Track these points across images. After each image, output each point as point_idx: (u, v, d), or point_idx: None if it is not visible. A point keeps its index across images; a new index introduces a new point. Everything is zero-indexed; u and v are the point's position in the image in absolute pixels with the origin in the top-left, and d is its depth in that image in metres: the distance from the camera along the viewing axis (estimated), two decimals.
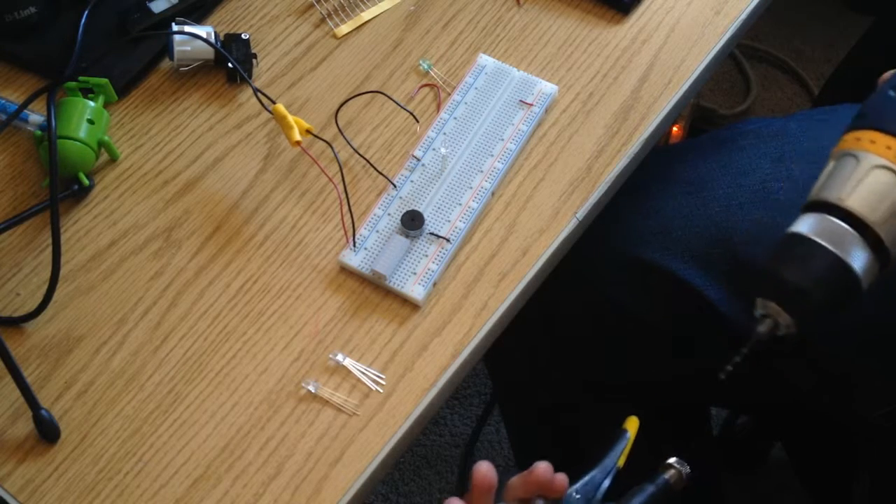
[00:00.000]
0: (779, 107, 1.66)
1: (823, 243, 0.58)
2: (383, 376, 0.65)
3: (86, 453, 0.62)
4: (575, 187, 0.73)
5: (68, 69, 0.75)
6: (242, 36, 0.77)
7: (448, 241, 0.69)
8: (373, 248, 0.69)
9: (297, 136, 0.70)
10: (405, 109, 0.76)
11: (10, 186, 0.73)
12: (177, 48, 0.76)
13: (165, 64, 0.79)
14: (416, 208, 0.71)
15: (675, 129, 1.46)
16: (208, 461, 0.62)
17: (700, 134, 0.99)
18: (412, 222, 0.69)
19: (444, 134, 0.75)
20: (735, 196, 0.79)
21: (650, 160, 0.78)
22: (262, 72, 0.79)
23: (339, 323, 0.67)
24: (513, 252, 0.70)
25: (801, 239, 0.59)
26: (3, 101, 0.76)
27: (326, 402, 0.64)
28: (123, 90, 0.77)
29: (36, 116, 0.74)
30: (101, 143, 0.72)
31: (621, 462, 0.62)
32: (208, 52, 0.76)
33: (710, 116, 1.62)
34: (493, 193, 0.72)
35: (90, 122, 0.71)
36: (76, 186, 0.71)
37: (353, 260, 0.69)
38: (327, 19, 0.82)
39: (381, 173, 0.73)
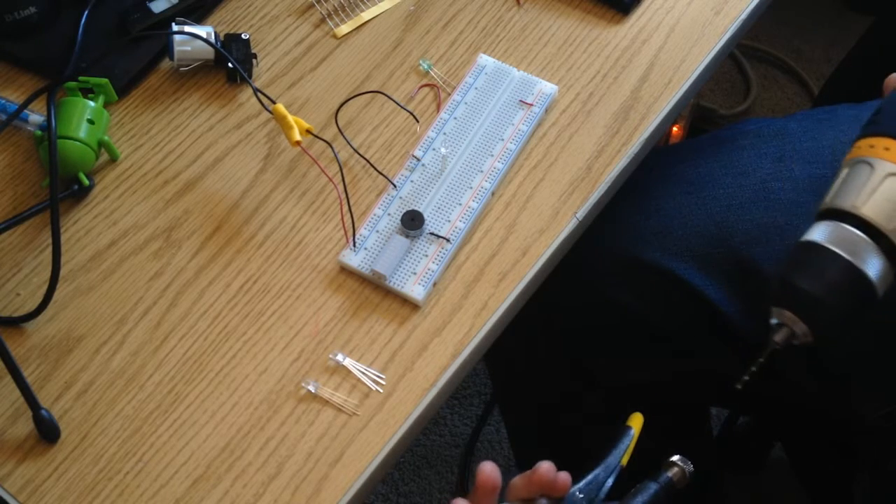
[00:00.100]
0: (779, 107, 1.66)
1: (839, 251, 0.58)
2: (383, 376, 0.65)
3: (86, 453, 0.62)
4: (575, 187, 0.73)
5: (68, 69, 0.75)
6: (242, 36, 0.77)
7: (448, 241, 0.69)
8: (373, 248, 0.69)
9: (297, 136, 0.70)
10: (405, 109, 0.76)
11: (10, 186, 0.73)
12: (177, 48, 0.76)
13: (165, 64, 0.79)
14: (416, 208, 0.71)
15: (675, 129, 1.46)
16: (208, 461, 0.62)
17: (700, 134, 0.99)
18: (412, 222, 0.69)
19: (444, 134, 0.75)
20: (735, 196, 0.79)
21: (650, 160, 0.78)
22: (262, 72, 0.79)
23: (339, 323, 0.67)
24: (513, 252, 0.70)
25: (815, 247, 0.59)
26: (3, 101, 0.76)
27: (326, 402, 0.64)
28: (123, 90, 0.77)
29: (36, 116, 0.74)
30: (101, 143, 0.72)
31: (625, 461, 0.62)
32: (208, 52, 0.76)
33: (710, 116, 1.62)
34: (493, 193, 0.72)
35: (90, 122, 0.71)
36: (76, 186, 0.71)
37: (353, 260, 0.69)
38: (327, 19, 0.82)
39: (381, 173, 0.73)
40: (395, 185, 0.72)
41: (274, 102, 0.72)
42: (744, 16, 0.82)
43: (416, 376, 0.65)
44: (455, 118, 0.75)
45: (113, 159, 0.74)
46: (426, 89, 0.78)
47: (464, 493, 0.60)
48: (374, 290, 0.68)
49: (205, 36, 0.75)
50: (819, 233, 0.59)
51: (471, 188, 0.72)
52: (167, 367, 0.65)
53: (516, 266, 0.69)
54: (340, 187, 0.71)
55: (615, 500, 0.60)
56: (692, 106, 1.54)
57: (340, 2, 0.82)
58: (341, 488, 0.61)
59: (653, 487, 0.60)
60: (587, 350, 0.85)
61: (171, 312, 0.67)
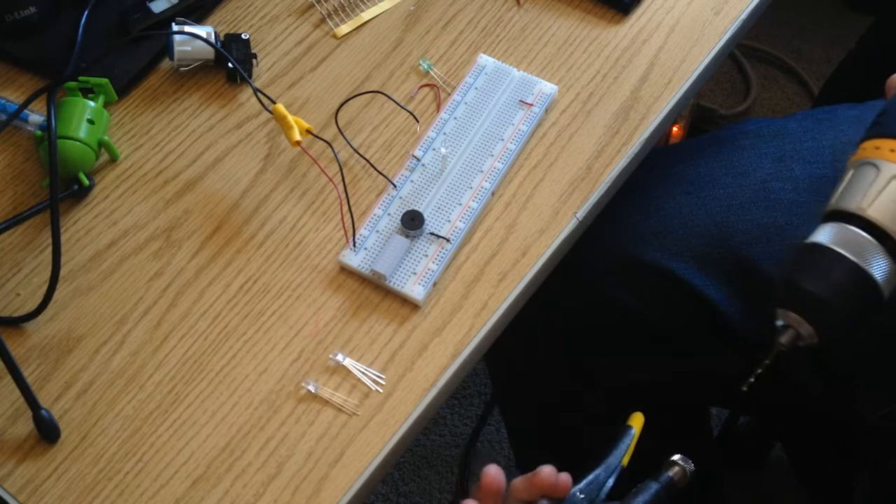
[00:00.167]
0: (779, 107, 1.66)
1: (844, 253, 0.58)
2: (383, 376, 0.65)
3: (86, 453, 0.62)
4: (575, 187, 0.73)
5: (68, 69, 0.75)
6: (242, 36, 0.77)
7: (448, 241, 0.69)
8: (373, 248, 0.69)
9: (297, 136, 0.70)
10: (405, 109, 0.76)
11: (10, 186, 0.73)
12: (177, 48, 0.76)
13: (165, 64, 0.79)
14: (416, 208, 0.71)
15: (675, 129, 1.46)
16: (208, 461, 0.62)
17: (700, 134, 0.99)
18: (412, 222, 0.69)
19: (444, 134, 0.75)
20: (736, 196, 0.79)
21: (650, 160, 0.78)
22: (262, 72, 0.79)
23: (339, 323, 0.67)
24: (513, 252, 0.70)
25: (821, 249, 0.59)
26: (3, 101, 0.76)
27: (326, 402, 0.64)
28: (123, 90, 0.77)
29: (36, 116, 0.74)
30: (101, 143, 0.72)
31: (625, 461, 0.62)
32: (208, 52, 0.76)
33: (710, 116, 1.62)
34: (493, 193, 0.72)
35: (90, 122, 0.71)
36: (76, 186, 0.71)
37: (353, 260, 0.69)
38: (327, 19, 0.82)
39: (381, 173, 0.73)
40: (395, 185, 0.72)
41: (274, 102, 0.72)
42: (744, 16, 0.82)
43: (416, 376, 0.65)
44: (455, 118, 0.75)
45: (113, 159, 0.74)
46: (426, 89, 0.78)
47: (464, 494, 0.60)
48: (374, 290, 0.68)
49: (205, 36, 0.75)
50: (824, 234, 0.59)
51: (471, 188, 0.72)
52: (167, 367, 0.65)
53: (516, 266, 0.69)
54: (340, 187, 0.71)
55: (616, 499, 0.60)
56: (692, 106, 1.54)
57: (340, 2, 0.82)
58: (341, 488, 0.61)
59: (654, 487, 0.60)
60: (587, 350, 0.85)
61: (171, 312, 0.67)
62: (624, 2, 0.81)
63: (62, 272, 0.67)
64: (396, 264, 0.68)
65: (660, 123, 0.76)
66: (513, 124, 0.75)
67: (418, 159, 0.73)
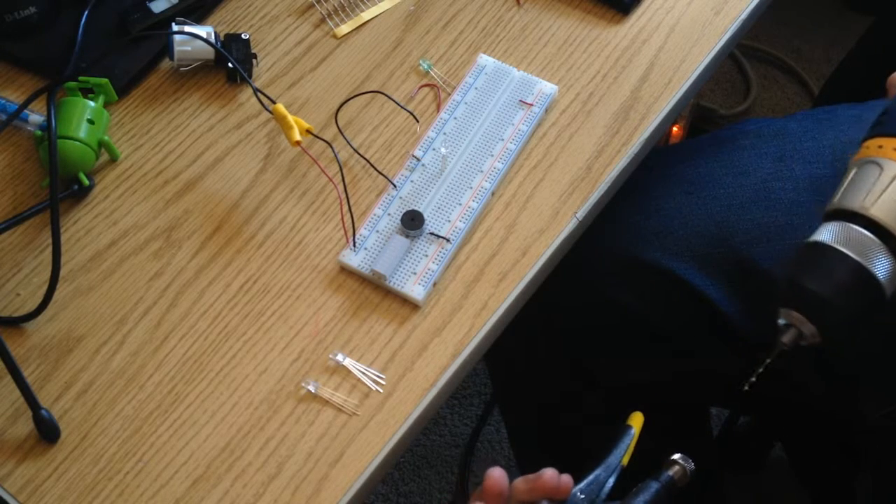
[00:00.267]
0: (779, 107, 1.66)
1: (847, 252, 0.58)
2: (383, 376, 0.65)
3: (86, 453, 0.62)
4: (575, 187, 0.73)
5: (68, 69, 0.75)
6: (242, 36, 0.77)
7: (448, 241, 0.69)
8: (373, 248, 0.69)
9: (297, 136, 0.70)
10: (405, 109, 0.76)
11: (10, 186, 0.73)
12: (177, 48, 0.76)
13: (165, 64, 0.79)
14: (416, 208, 0.71)
15: (675, 129, 1.46)
16: (208, 461, 0.62)
17: (700, 134, 0.98)
18: (412, 222, 0.69)
19: (444, 134, 0.75)
20: (736, 196, 0.79)
21: (650, 160, 0.78)
22: (262, 72, 0.79)
23: (339, 323, 0.67)
24: (513, 252, 0.70)
25: (823, 248, 0.59)
26: (3, 101, 0.76)
27: (326, 402, 0.64)
28: (123, 90, 0.77)
29: (36, 116, 0.74)
30: (101, 143, 0.72)
31: (625, 460, 0.62)
32: (208, 52, 0.76)
33: (710, 116, 1.62)
34: (493, 193, 0.72)
35: (90, 122, 0.71)
36: (76, 186, 0.71)
37: (353, 260, 0.69)
38: (327, 19, 0.82)
39: (381, 173, 0.73)
40: (395, 185, 0.72)
41: (274, 102, 0.72)
42: (744, 16, 0.82)
43: (416, 376, 0.65)
44: (455, 118, 0.75)
45: (113, 159, 0.74)
46: (426, 89, 0.78)
47: (464, 494, 0.60)
48: (374, 290, 0.68)
49: (205, 36, 0.75)
50: (827, 233, 0.59)
51: (471, 188, 0.72)
52: (167, 367, 0.65)
53: (516, 266, 0.69)
54: (340, 187, 0.71)
55: (616, 499, 0.60)
56: (692, 106, 1.54)
57: (340, 2, 0.82)
58: (341, 488, 0.61)
59: (654, 486, 0.60)
60: (587, 350, 0.85)
61: (171, 312, 0.67)
62: (624, 2, 0.81)
63: (62, 272, 0.67)
64: (396, 264, 0.68)
65: (660, 123, 0.76)
66: (513, 124, 0.75)
67: (418, 159, 0.73)
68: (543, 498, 0.58)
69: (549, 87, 0.77)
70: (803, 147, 0.81)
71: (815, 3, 1.76)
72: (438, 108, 0.77)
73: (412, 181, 0.72)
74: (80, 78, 0.73)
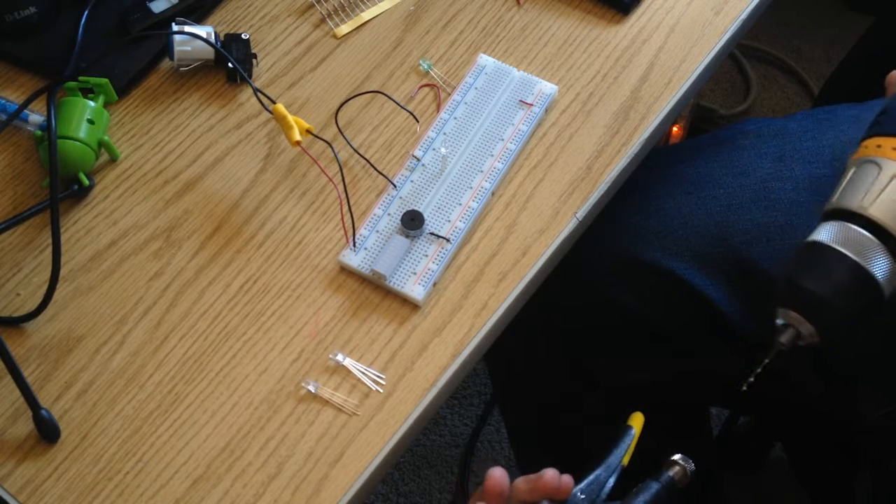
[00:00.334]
0: (779, 107, 1.66)
1: (845, 252, 0.58)
2: (383, 376, 0.65)
3: (86, 453, 0.62)
4: (575, 187, 0.73)
5: (68, 69, 0.75)
6: (242, 36, 0.77)
7: (448, 241, 0.69)
8: (373, 248, 0.69)
9: (297, 136, 0.70)
10: (405, 109, 0.76)
11: (10, 186, 0.73)
12: (177, 48, 0.76)
13: (165, 64, 0.79)
14: (416, 208, 0.71)
15: (675, 129, 1.46)
16: (208, 461, 0.62)
17: (700, 134, 0.98)
18: (412, 222, 0.69)
19: (444, 134, 0.75)
20: (736, 196, 0.79)
21: (650, 160, 0.78)
22: (262, 72, 0.79)
23: (339, 323, 0.67)
24: (513, 252, 0.70)
25: (822, 248, 0.59)
26: (3, 101, 0.76)
27: (326, 402, 0.64)
28: (123, 90, 0.77)
29: (36, 116, 0.74)
30: (101, 143, 0.72)
31: (626, 460, 0.62)
32: (208, 52, 0.76)
33: (710, 116, 1.62)
34: (493, 193, 0.72)
35: (90, 122, 0.71)
36: (76, 186, 0.71)
37: (353, 260, 0.69)
38: (327, 19, 0.82)
39: (381, 173, 0.73)
40: (395, 185, 0.72)
41: (274, 102, 0.72)
42: (744, 16, 0.82)
43: (416, 376, 0.65)
44: (455, 118, 0.75)
45: (113, 159, 0.74)
46: (426, 89, 0.78)
47: (464, 494, 0.60)
48: (374, 290, 0.68)
49: (205, 36, 0.75)
50: (825, 233, 0.59)
51: (471, 188, 0.72)
52: (167, 367, 0.65)
53: (516, 266, 0.69)
54: (340, 187, 0.71)
55: (617, 499, 0.60)
56: (692, 106, 1.54)
57: (340, 2, 0.82)
58: (341, 488, 0.61)
59: (654, 487, 0.60)
60: (587, 350, 0.85)
61: (171, 312, 0.67)
62: (624, 2, 0.81)
63: (62, 272, 0.67)
64: (396, 264, 0.68)
65: (660, 123, 0.76)
66: (513, 124, 0.75)
67: (418, 159, 0.73)
68: (544, 498, 0.59)
69: (549, 87, 0.77)
70: (803, 147, 0.81)
71: (815, 3, 1.76)
72: (438, 108, 0.77)
73: (412, 181, 0.72)
74: (80, 78, 0.73)
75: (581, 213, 0.72)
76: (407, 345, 0.66)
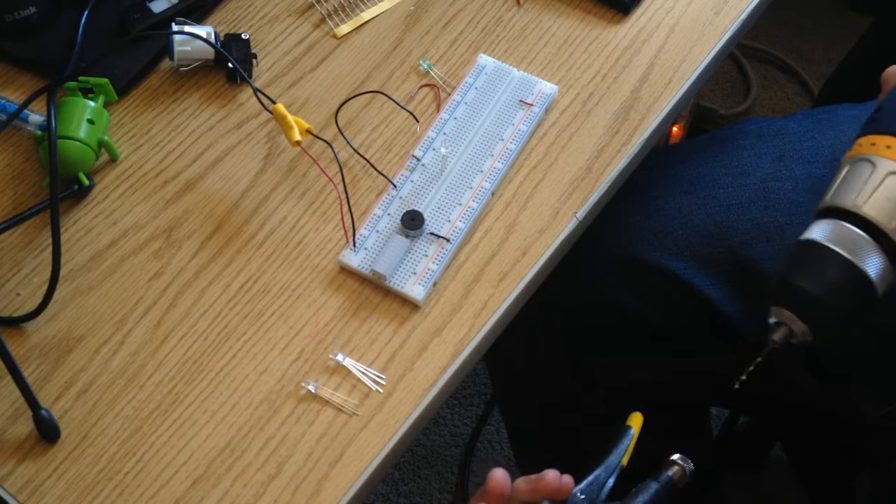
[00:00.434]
0: (779, 107, 1.66)
1: (838, 250, 0.57)
2: (383, 376, 0.65)
3: (86, 453, 0.62)
4: (575, 187, 0.73)
5: (68, 69, 0.75)
6: (242, 36, 0.77)
7: (448, 241, 0.69)
8: (373, 248, 0.69)
9: (297, 136, 0.70)
10: (405, 109, 0.76)
11: (10, 186, 0.73)
12: (177, 48, 0.76)
13: (165, 64, 0.79)
14: (416, 208, 0.71)
15: (675, 129, 1.46)
16: (208, 461, 0.62)
17: (700, 134, 0.98)
18: (412, 222, 0.69)
19: (444, 134, 0.75)
20: (735, 196, 0.79)
21: (650, 160, 0.78)
22: (262, 72, 0.79)
23: (339, 323, 0.67)
24: (513, 252, 0.70)
25: (815, 246, 0.59)
26: (3, 101, 0.76)
27: (326, 402, 0.64)
28: (123, 90, 0.77)
29: (36, 116, 0.74)
30: (101, 143, 0.72)
31: (625, 461, 0.62)
32: (208, 52, 0.76)
33: (710, 116, 1.62)
34: (493, 193, 0.72)
35: (90, 122, 0.71)
36: (76, 186, 0.71)
37: (353, 260, 0.69)
38: (327, 19, 0.82)
39: (381, 173, 0.73)
40: (395, 185, 0.72)
41: (274, 102, 0.72)
42: (744, 16, 0.82)
43: (416, 376, 0.65)
44: (455, 118, 0.75)
45: (113, 159, 0.74)
46: (426, 89, 0.78)
47: (464, 494, 0.60)
48: (374, 290, 0.68)
49: (205, 36, 0.75)
50: (819, 231, 0.59)
51: (471, 188, 0.72)
52: (167, 367, 0.65)
53: (516, 266, 0.69)
54: (340, 187, 0.71)
55: (616, 499, 0.60)
56: (692, 106, 1.54)
57: (340, 2, 0.82)
58: (341, 488, 0.61)
59: (654, 487, 0.60)
60: (587, 350, 0.85)
61: (171, 312, 0.67)
62: (624, 2, 0.81)
63: (62, 272, 0.67)
64: (396, 264, 0.68)
65: (660, 123, 0.76)
66: (513, 124, 0.75)
67: (418, 159, 0.73)
68: (545, 498, 0.59)
69: (549, 87, 0.77)
70: (803, 147, 0.81)
71: (815, 3, 1.76)
72: (438, 108, 0.77)
73: (412, 181, 0.72)
74: (80, 78, 0.73)
75: (581, 213, 0.72)
76: (407, 345, 0.66)
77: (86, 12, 0.78)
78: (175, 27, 0.75)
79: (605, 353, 0.84)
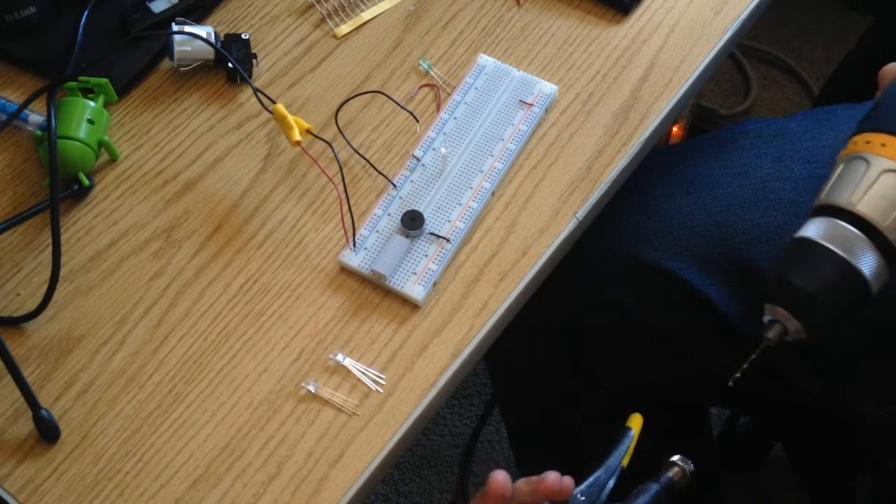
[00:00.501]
0: (779, 107, 1.66)
1: (833, 248, 0.57)
2: (383, 376, 0.65)
3: (86, 453, 0.62)
4: (575, 187, 0.73)
5: (68, 69, 0.75)
6: (242, 36, 0.77)
7: (448, 241, 0.69)
8: (373, 248, 0.69)
9: (297, 136, 0.70)
10: (405, 109, 0.76)
11: (10, 186, 0.73)
12: (177, 48, 0.76)
13: (165, 64, 0.79)
14: (416, 208, 0.71)
15: (675, 129, 1.46)
16: (208, 461, 0.62)
17: (700, 134, 0.98)
18: (412, 222, 0.69)
19: (444, 134, 0.75)
20: (735, 196, 0.79)
21: (650, 160, 0.78)
22: (262, 72, 0.79)
23: (339, 323, 0.67)
24: (513, 252, 0.70)
25: (809, 244, 0.59)
26: (3, 101, 0.76)
27: (326, 402, 0.64)
28: (123, 90, 0.77)
29: (36, 116, 0.74)
30: (101, 143, 0.72)
31: (625, 462, 0.62)
32: (208, 52, 0.76)
33: (710, 116, 1.62)
34: (493, 193, 0.72)
35: (90, 122, 0.71)
36: (76, 186, 0.71)
37: (353, 260, 0.69)
38: (327, 19, 0.82)
39: (381, 173, 0.73)
40: (395, 185, 0.72)
41: (274, 102, 0.72)
42: (744, 16, 0.82)
43: (416, 376, 0.65)
44: (455, 118, 0.75)
45: (113, 159, 0.74)
46: (426, 89, 0.78)
47: (464, 494, 0.60)
48: (374, 290, 0.68)
49: (205, 36, 0.75)
50: (813, 229, 0.59)
51: (471, 188, 0.72)
52: (167, 367, 0.65)
53: (516, 266, 0.69)
54: (340, 187, 0.71)
55: (617, 501, 0.60)
56: (692, 106, 1.54)
57: (340, 2, 0.82)
58: (341, 488, 0.61)
59: (654, 488, 0.60)
60: (587, 350, 0.85)
61: (171, 312, 0.67)
62: (624, 2, 0.81)
63: (62, 272, 0.67)
64: (396, 264, 0.68)
65: (660, 123, 0.76)
66: (513, 124, 0.75)
67: (418, 159, 0.73)
68: (545, 500, 0.59)
69: (549, 87, 0.77)
70: (803, 147, 0.81)
71: (815, 3, 1.76)
72: (438, 108, 0.77)
73: (412, 181, 0.72)
74: (80, 78, 0.73)
75: (581, 213, 0.72)
76: (407, 345, 0.66)
77: (86, 12, 0.78)
78: (175, 27, 0.75)
79: (605, 353, 0.84)
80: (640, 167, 0.76)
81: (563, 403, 0.92)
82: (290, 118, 0.71)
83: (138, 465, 0.62)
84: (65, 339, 0.66)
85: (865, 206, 0.58)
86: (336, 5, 0.82)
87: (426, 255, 0.69)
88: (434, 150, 0.74)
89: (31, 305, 0.66)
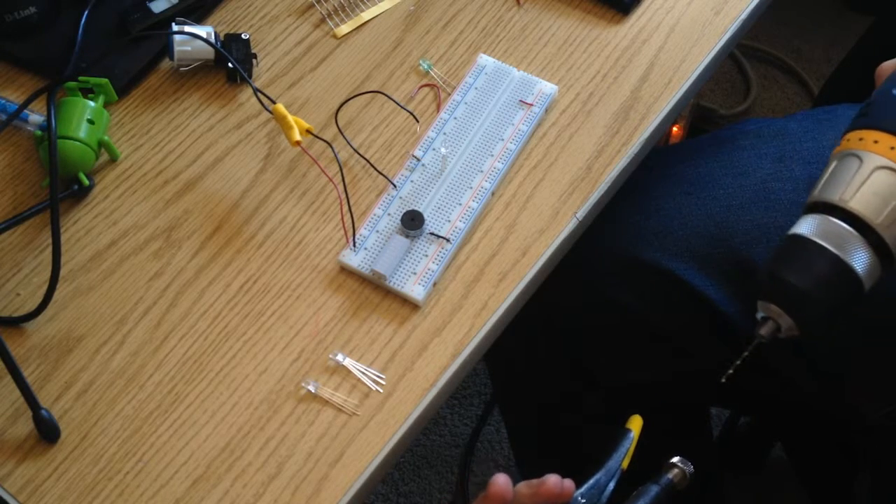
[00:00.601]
0: (779, 107, 1.66)
1: (825, 245, 0.57)
2: (383, 376, 0.65)
3: (86, 453, 0.62)
4: (575, 187, 0.73)
5: (68, 69, 0.75)
6: (242, 36, 0.77)
7: (448, 241, 0.69)
8: (373, 248, 0.69)
9: (297, 136, 0.70)
10: (405, 109, 0.76)
11: (10, 186, 0.73)
12: (177, 48, 0.76)
13: (165, 64, 0.79)
14: (416, 208, 0.71)
15: (675, 129, 1.46)
16: (208, 461, 0.62)
17: (700, 134, 0.98)
18: (412, 222, 0.69)
19: (444, 134, 0.75)
20: (735, 196, 0.79)
21: (650, 160, 0.78)
22: (262, 72, 0.79)
23: (339, 323, 0.67)
24: (513, 252, 0.70)
25: (802, 241, 0.59)
26: (3, 101, 0.76)
27: (326, 402, 0.64)
28: (123, 90, 0.77)
29: (36, 116, 0.74)
30: (101, 143, 0.72)
31: (625, 464, 0.62)
32: (208, 52, 0.76)
33: (710, 116, 1.62)
34: (493, 193, 0.72)
35: (90, 122, 0.71)
36: (76, 186, 0.71)
37: (353, 260, 0.69)
38: (327, 19, 0.82)
39: (381, 173, 0.73)
40: (395, 185, 0.72)
41: (274, 102, 0.72)
42: (744, 16, 0.82)
43: (416, 376, 0.65)
44: (455, 118, 0.75)
45: (113, 159, 0.74)
46: (426, 89, 0.78)
47: (464, 494, 0.60)
48: (374, 290, 0.68)
49: (205, 36, 0.75)
50: (806, 226, 0.59)
51: (471, 188, 0.72)
52: (167, 367, 0.65)
53: (516, 266, 0.69)
54: (340, 187, 0.71)
55: (617, 503, 0.60)
56: (692, 106, 1.54)
57: (340, 2, 0.82)
58: (341, 488, 0.61)
59: (654, 490, 0.60)
60: (587, 350, 0.85)
61: (171, 312, 0.67)
62: (624, 2, 0.81)
63: (62, 272, 0.67)
64: (396, 264, 0.68)
65: (660, 123, 0.76)
66: (513, 124, 0.75)
67: (418, 159, 0.73)
68: (546, 503, 0.59)
69: (549, 87, 0.77)
70: (803, 147, 0.81)
71: (815, 3, 1.76)
72: (438, 108, 0.77)
73: (412, 181, 0.72)
74: (80, 78, 0.73)
75: (581, 213, 0.72)
76: (407, 345, 0.66)
77: (86, 12, 0.78)
78: (175, 27, 0.75)
79: (605, 354, 0.84)
80: (640, 167, 0.76)
81: (563, 403, 0.92)
82: (290, 118, 0.71)
83: (138, 465, 0.62)
84: (65, 339, 0.66)
85: (858, 202, 0.58)
86: (336, 5, 0.82)
87: (426, 255, 0.69)
88: (434, 150, 0.74)
89: (31, 305, 0.66)
